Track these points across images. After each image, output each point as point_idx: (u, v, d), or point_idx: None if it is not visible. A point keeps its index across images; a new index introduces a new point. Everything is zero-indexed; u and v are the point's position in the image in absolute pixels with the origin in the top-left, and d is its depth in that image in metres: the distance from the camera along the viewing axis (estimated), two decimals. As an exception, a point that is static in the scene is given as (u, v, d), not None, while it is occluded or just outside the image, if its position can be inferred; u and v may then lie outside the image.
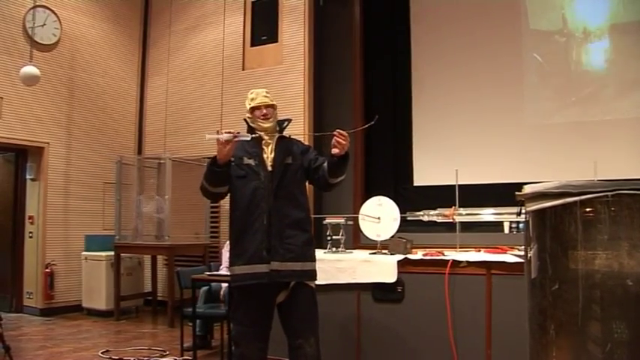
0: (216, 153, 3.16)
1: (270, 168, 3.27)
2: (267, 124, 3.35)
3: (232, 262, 3.31)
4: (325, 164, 3.33)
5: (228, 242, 6.05)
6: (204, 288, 5.74)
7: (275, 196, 3.20)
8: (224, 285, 5.54)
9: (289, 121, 3.48)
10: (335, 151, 3.16)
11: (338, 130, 3.16)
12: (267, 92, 3.45)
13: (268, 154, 3.31)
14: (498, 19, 6.47)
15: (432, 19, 6.88)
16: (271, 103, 3.41)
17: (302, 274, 3.23)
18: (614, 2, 5.98)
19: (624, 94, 5.88)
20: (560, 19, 6.21)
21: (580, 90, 6.06)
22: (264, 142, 3.34)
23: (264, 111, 3.37)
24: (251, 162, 3.28)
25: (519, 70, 6.35)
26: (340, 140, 3.12)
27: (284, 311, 3.29)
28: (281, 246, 3.18)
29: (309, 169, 3.39)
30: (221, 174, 3.23)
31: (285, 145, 3.38)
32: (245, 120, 3.47)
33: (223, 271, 5.75)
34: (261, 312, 3.24)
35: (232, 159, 3.26)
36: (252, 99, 3.43)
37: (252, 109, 3.39)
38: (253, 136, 3.25)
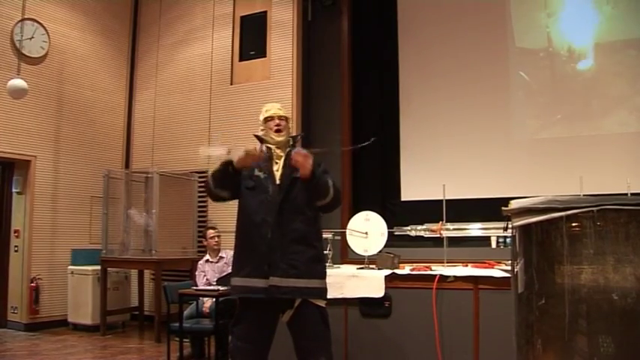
0: (232, 159, 3.15)
1: (278, 182, 3.20)
2: (279, 138, 3.32)
3: (233, 274, 3.24)
4: None
5: (206, 256, 6.15)
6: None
7: (281, 210, 3.12)
8: (206, 299, 5.55)
9: (302, 135, 3.42)
10: (299, 171, 3.11)
11: (295, 150, 3.17)
12: (280, 106, 3.43)
13: (278, 168, 3.25)
14: (485, 37, 6.55)
15: (419, 37, 6.96)
16: (284, 114, 3.39)
17: (306, 291, 3.11)
18: (598, 22, 6.10)
19: (608, 110, 5.97)
20: (546, 37, 6.31)
21: (565, 107, 6.15)
22: (275, 156, 3.30)
23: (277, 121, 3.34)
24: (260, 175, 3.23)
25: (506, 86, 6.44)
26: (297, 159, 3.08)
27: (292, 331, 3.19)
28: (283, 261, 3.07)
29: None
30: (228, 176, 3.21)
31: None
32: (256, 136, 3.43)
33: (202, 285, 5.81)
34: (262, 329, 3.16)
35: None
36: (266, 110, 3.41)
37: (266, 120, 3.36)
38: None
